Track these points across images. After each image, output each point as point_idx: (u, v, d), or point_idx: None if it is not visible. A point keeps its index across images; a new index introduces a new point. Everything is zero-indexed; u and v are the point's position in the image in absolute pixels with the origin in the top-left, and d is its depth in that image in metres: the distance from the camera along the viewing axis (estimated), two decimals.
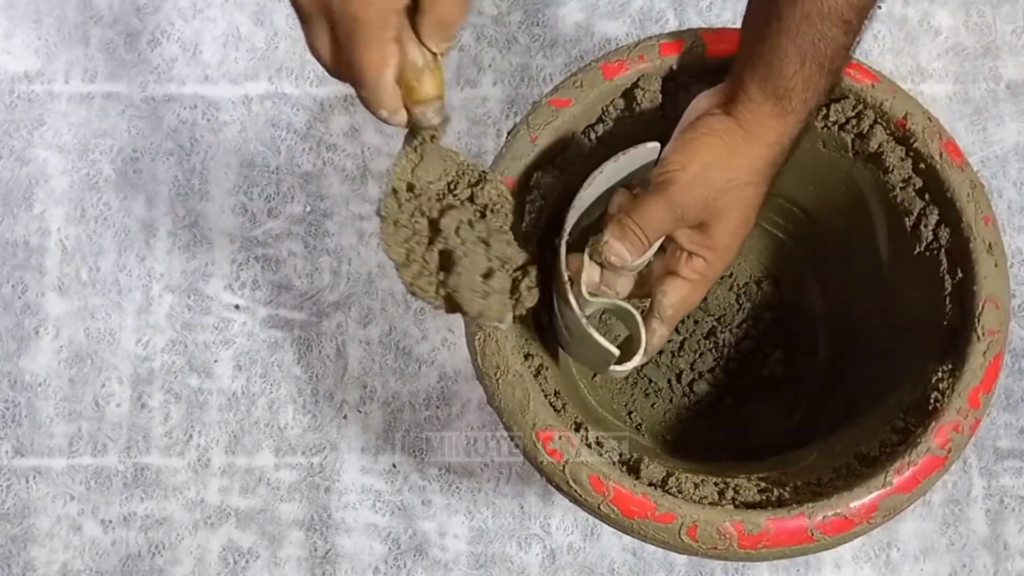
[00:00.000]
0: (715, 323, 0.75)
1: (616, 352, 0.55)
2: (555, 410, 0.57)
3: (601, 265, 0.57)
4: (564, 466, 0.55)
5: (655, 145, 0.55)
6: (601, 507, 0.54)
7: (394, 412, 0.82)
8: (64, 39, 0.89)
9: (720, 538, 0.53)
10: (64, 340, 0.84)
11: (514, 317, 0.54)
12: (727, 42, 0.60)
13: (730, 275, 0.76)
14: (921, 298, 0.61)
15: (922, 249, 0.60)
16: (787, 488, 0.56)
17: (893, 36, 0.89)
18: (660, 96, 0.61)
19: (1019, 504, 0.80)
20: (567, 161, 0.61)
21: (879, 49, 0.89)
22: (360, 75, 0.46)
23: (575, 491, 0.54)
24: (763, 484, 0.56)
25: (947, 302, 0.59)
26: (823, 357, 0.74)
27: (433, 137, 0.50)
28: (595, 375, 0.73)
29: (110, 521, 0.81)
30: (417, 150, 0.50)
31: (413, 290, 0.51)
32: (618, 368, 0.57)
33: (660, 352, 0.74)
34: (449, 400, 0.83)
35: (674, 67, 0.60)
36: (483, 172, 0.53)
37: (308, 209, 0.86)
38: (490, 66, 0.88)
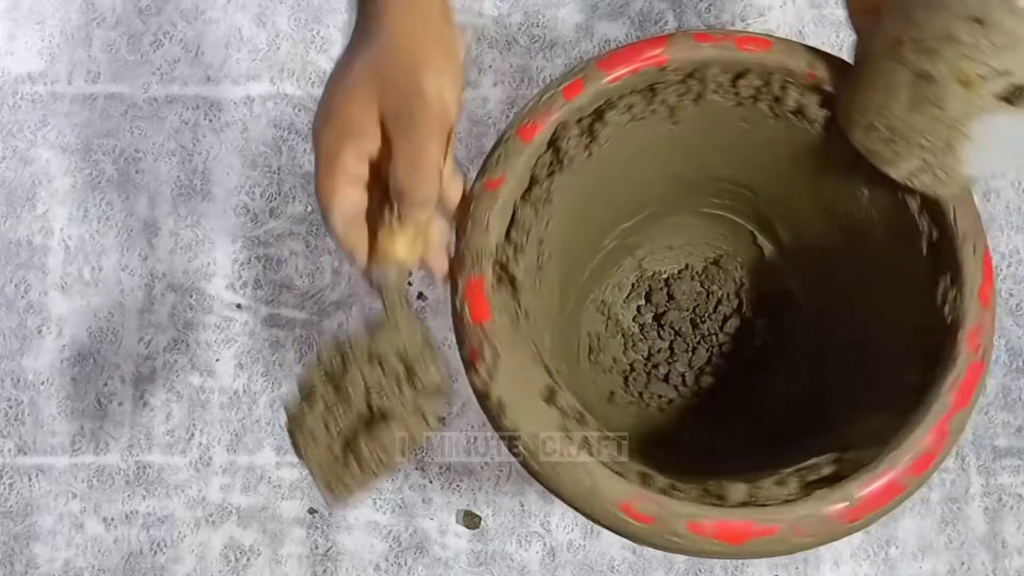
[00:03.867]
0: (692, 315, 0.76)
1: None
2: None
3: None
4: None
5: None
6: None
7: None
8: (67, 40, 0.90)
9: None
10: (66, 339, 0.84)
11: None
12: (619, 64, 0.60)
13: (686, 266, 0.76)
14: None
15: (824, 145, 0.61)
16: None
17: None
18: (587, 135, 0.61)
19: (1017, 502, 0.81)
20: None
21: None
22: (318, 202, 0.48)
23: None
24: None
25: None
26: (805, 311, 0.75)
27: (384, 298, 0.50)
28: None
29: (112, 519, 0.81)
30: (385, 311, 0.51)
31: (287, 425, 0.50)
32: None
33: (655, 365, 0.75)
34: (449, 399, 0.83)
35: (584, 104, 0.60)
36: (430, 355, 0.52)
37: (309, 209, 0.86)
38: (490, 67, 0.89)
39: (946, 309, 0.57)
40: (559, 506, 0.81)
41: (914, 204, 0.60)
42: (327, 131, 0.48)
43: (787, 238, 0.74)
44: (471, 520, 0.81)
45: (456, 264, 0.57)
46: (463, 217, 0.58)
